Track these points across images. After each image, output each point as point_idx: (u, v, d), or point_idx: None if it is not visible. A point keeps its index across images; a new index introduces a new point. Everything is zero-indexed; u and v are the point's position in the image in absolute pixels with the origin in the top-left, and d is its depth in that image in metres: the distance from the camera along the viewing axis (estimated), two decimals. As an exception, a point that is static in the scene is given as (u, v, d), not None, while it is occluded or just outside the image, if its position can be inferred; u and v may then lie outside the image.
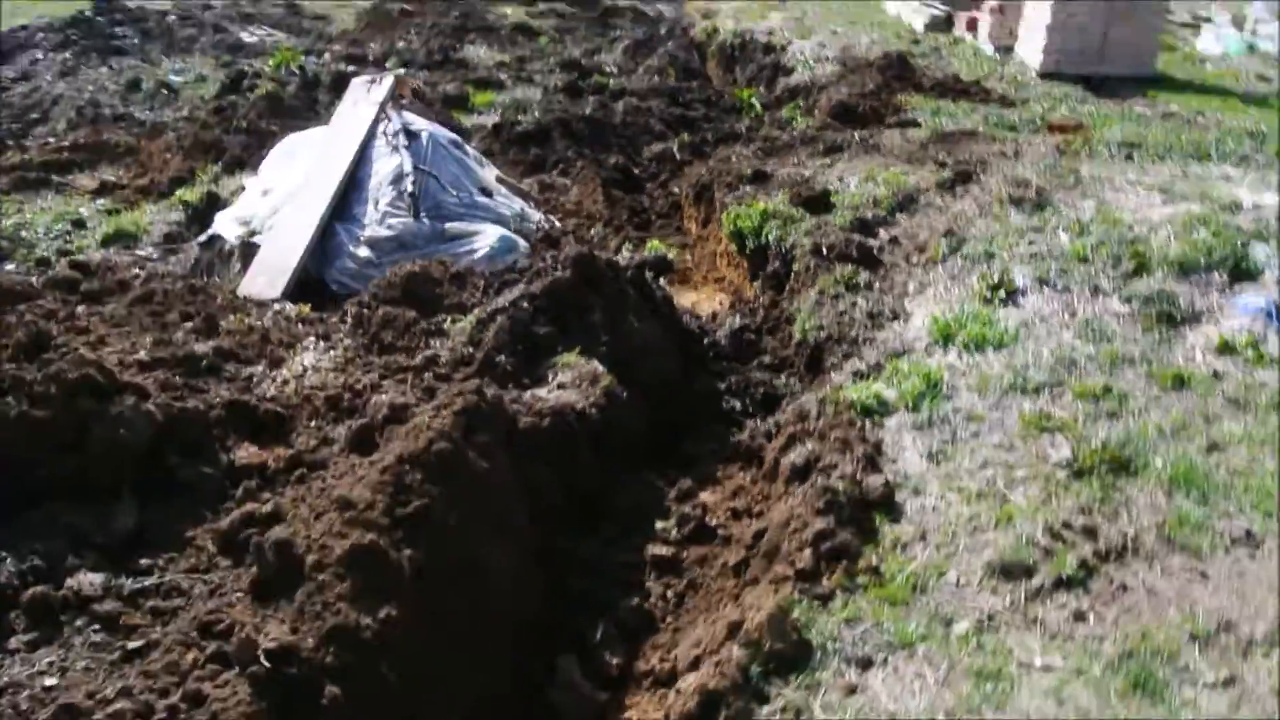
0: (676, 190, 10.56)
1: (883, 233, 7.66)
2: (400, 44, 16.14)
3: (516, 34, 17.87)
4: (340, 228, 7.21)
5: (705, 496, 5.31)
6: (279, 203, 7.45)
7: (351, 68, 14.91)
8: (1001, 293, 6.46)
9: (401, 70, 10.83)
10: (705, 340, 6.98)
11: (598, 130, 11.46)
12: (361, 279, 6.91)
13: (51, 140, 11.30)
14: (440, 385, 5.29)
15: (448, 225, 7.23)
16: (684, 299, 8.20)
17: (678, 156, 11.70)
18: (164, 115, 12.94)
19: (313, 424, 5.07)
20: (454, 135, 8.07)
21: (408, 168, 7.31)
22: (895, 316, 6.44)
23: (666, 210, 10.50)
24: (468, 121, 11.81)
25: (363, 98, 8.00)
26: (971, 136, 10.27)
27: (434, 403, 4.62)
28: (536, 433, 4.83)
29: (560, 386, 5.33)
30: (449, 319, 6.02)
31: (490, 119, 11.97)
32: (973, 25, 16.75)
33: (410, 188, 7.17)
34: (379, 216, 7.20)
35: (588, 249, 5.99)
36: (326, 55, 15.29)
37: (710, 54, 18.44)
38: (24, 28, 20.75)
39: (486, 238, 7.23)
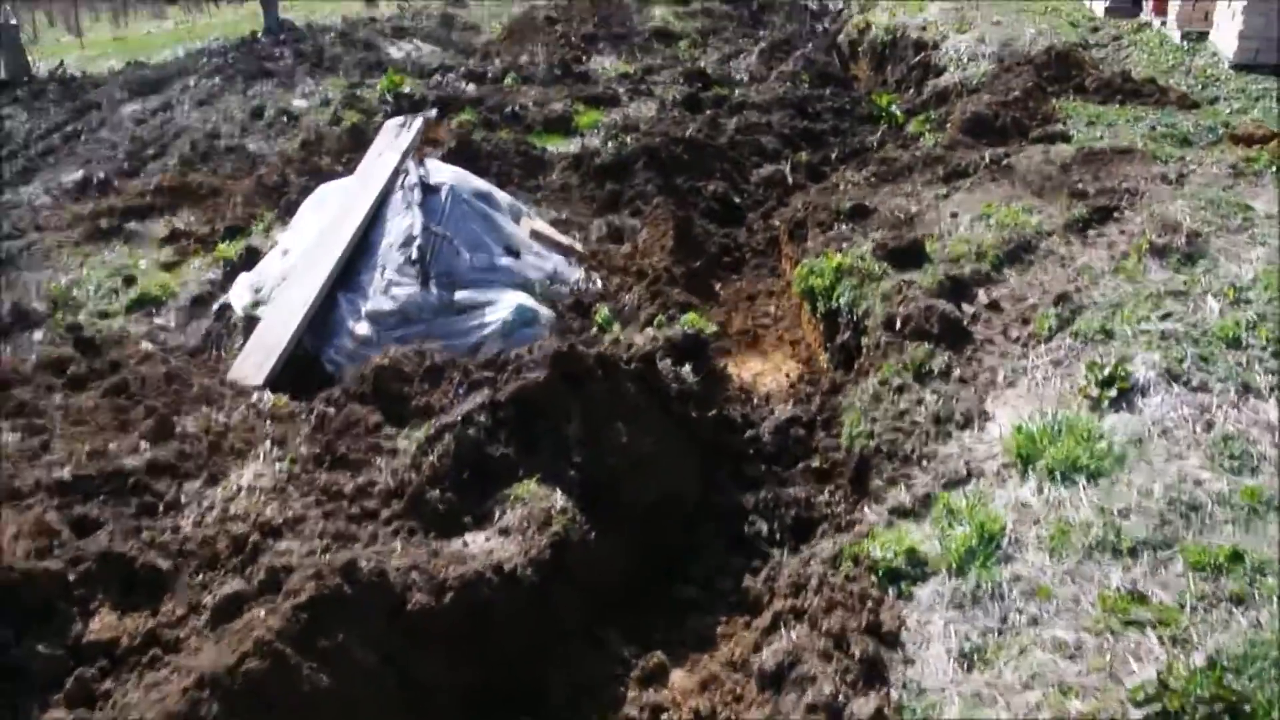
0: (778, 222, 9.23)
1: (980, 295, 6.15)
2: (524, 58, 15.30)
3: (653, 40, 16.76)
4: (343, 298, 6.33)
5: (677, 678, 4.08)
6: (292, 266, 6.64)
7: (470, 86, 14.22)
8: (1113, 390, 4.90)
9: (433, 111, 9.90)
10: (748, 433, 5.70)
11: (699, 154, 10.22)
12: (358, 359, 6.00)
13: (150, 180, 10.99)
14: (363, 526, 4.29)
15: (458, 295, 6.22)
16: (749, 367, 6.93)
17: (790, 179, 10.34)
18: (277, 146, 12.54)
19: (200, 579, 4.16)
20: (482, 185, 7.04)
21: (417, 229, 6.34)
22: (968, 423, 4.98)
23: (764, 246, 9.19)
24: (565, 147, 10.82)
25: (390, 144, 7.09)
26: (1126, 155, 8.46)
27: (293, 580, 3.60)
28: (432, 614, 3.74)
29: (502, 532, 4.22)
30: (409, 429, 5.01)
31: (593, 141, 10.93)
32: (1162, 8, 14.44)
33: (416, 253, 6.19)
34: (384, 285, 6.27)
35: (568, 344, 4.82)
36: (436, 76, 14.56)
37: (860, 53, 16.78)
38: (194, 53, 21.28)
39: (501, 308, 6.19)
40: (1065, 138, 9.39)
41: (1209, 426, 4.63)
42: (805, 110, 12.22)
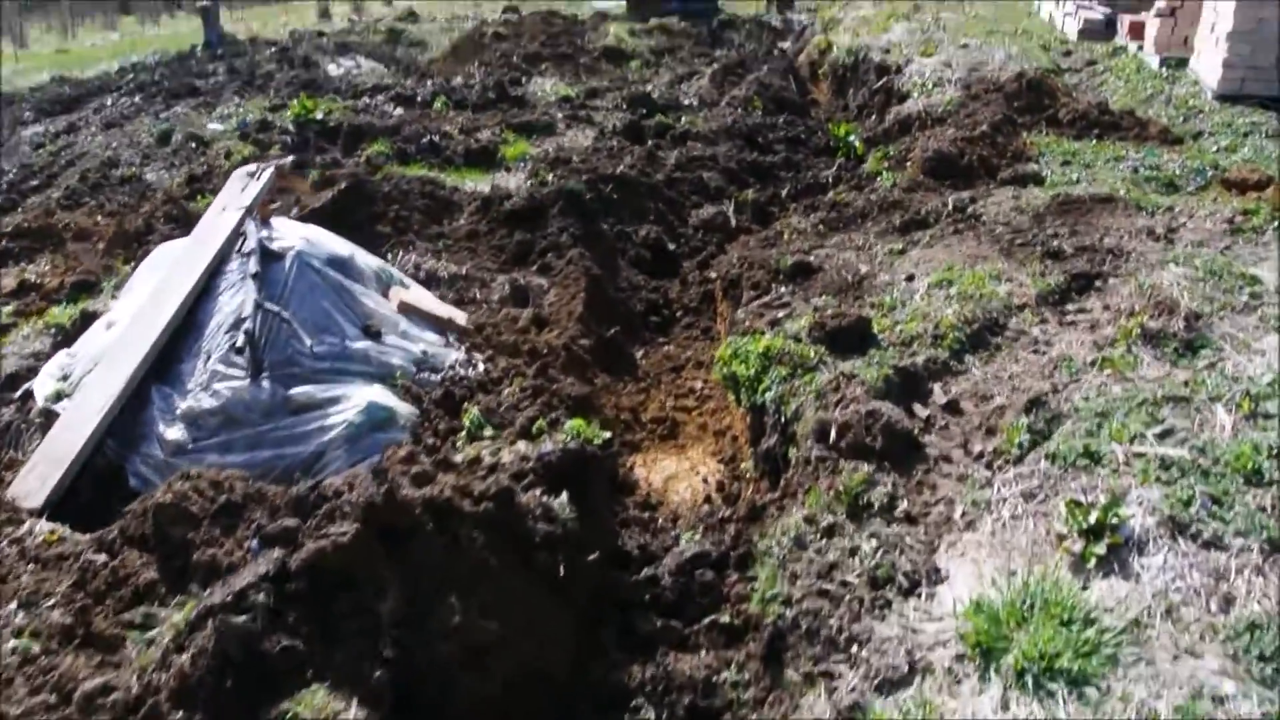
0: (715, 274, 8.03)
1: (936, 392, 4.96)
2: (457, 80, 14.05)
3: (602, 60, 15.56)
4: (157, 393, 5.06)
5: None
6: (110, 345, 5.38)
7: (399, 110, 12.98)
8: (1101, 545, 3.71)
9: (289, 158, 8.66)
10: (645, 571, 4.50)
11: (632, 194, 9.02)
12: (169, 472, 4.74)
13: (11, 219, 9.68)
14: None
15: (295, 391, 4.97)
16: (661, 468, 5.72)
17: (733, 222, 9.15)
18: (177, 177, 11.24)
19: None
20: (341, 249, 5.78)
21: (248, 307, 5.09)
22: (913, 586, 3.78)
23: (699, 301, 7.99)
24: (486, 183, 9.59)
25: (235, 198, 5.83)
26: (1107, 204, 7.32)
27: None
28: None
29: (260, 780, 2.99)
30: (183, 596, 3.76)
31: (514, 178, 9.70)
32: (1138, 31, 13.38)
33: (243, 338, 4.94)
34: (206, 378, 5.01)
35: (385, 488, 3.59)
36: (365, 98, 13.30)
37: (821, 75, 15.67)
38: (123, 69, 19.93)
39: (348, 407, 4.94)
40: (1038, 179, 8.27)
41: (1227, 604, 3.44)
42: (755, 141, 11.04)
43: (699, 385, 6.67)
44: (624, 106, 12.14)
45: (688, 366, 6.98)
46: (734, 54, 15.18)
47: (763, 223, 9.19)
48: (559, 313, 6.62)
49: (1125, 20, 13.89)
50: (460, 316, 6.01)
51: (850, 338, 5.34)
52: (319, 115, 11.37)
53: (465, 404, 5.11)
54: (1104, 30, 14.45)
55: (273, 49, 20.74)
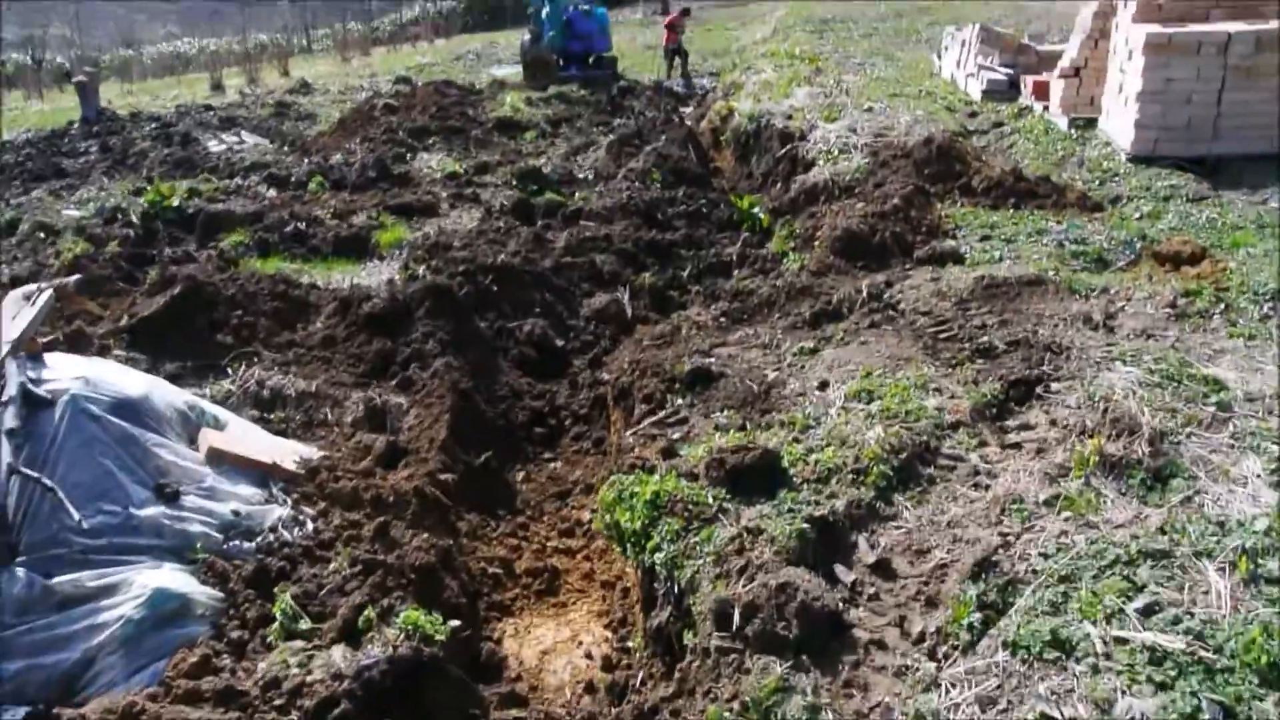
0: (608, 375, 7.03)
1: (862, 547, 3.99)
2: (335, 157, 12.96)
3: (495, 132, 14.60)
4: None
5: None
6: None
7: (272, 192, 11.84)
8: (1092, 790, 2.75)
9: (73, 277, 7.52)
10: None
11: (515, 284, 8.02)
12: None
13: None
14: None
15: (56, 581, 3.82)
16: (535, 638, 4.65)
17: (629, 311, 8.19)
18: (17, 272, 9.92)
19: None
20: (131, 389, 4.61)
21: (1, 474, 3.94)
22: None
23: (590, 407, 6.97)
24: (355, 276, 8.50)
25: (5, 326, 4.67)
26: (1036, 287, 6.52)
27: None
28: None
29: None
30: None
31: (383, 271, 8.64)
32: (1042, 91, 12.89)
33: (-16, 518, 3.78)
34: (-62, 567, 3.83)
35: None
36: (238, 179, 12.15)
37: (724, 142, 14.93)
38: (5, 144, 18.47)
39: (126, 599, 3.80)
40: (957, 258, 7.48)
41: None
42: (654, 217, 10.15)
43: (588, 515, 5.63)
44: (514, 183, 11.17)
45: (575, 492, 5.93)
46: (632, 123, 14.36)
47: (661, 309, 8.26)
48: (419, 439, 5.54)
49: (1029, 80, 13.41)
50: (290, 458, 4.89)
51: (755, 477, 4.36)
52: (175, 202, 10.17)
53: (284, 580, 3.98)
54: (1008, 90, 13.97)
55: (154, 125, 19.45)
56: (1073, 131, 11.51)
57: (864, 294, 6.79)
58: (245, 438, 4.91)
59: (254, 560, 4.16)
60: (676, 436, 5.23)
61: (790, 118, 13.21)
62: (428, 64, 27.90)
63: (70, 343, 6.19)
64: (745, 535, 3.98)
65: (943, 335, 5.96)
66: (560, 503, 5.88)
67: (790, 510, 4.13)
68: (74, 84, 21.99)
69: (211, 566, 4.10)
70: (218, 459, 4.59)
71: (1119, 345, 5.48)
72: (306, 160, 13.12)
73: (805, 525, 3.99)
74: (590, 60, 22.15)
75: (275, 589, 3.99)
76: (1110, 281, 6.67)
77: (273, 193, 11.72)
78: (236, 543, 4.28)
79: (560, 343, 7.58)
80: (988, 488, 4.25)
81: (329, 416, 6.03)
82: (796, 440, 4.78)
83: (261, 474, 4.74)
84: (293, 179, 11.98)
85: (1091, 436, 4.35)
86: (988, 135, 12.39)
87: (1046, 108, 12.58)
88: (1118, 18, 10.82)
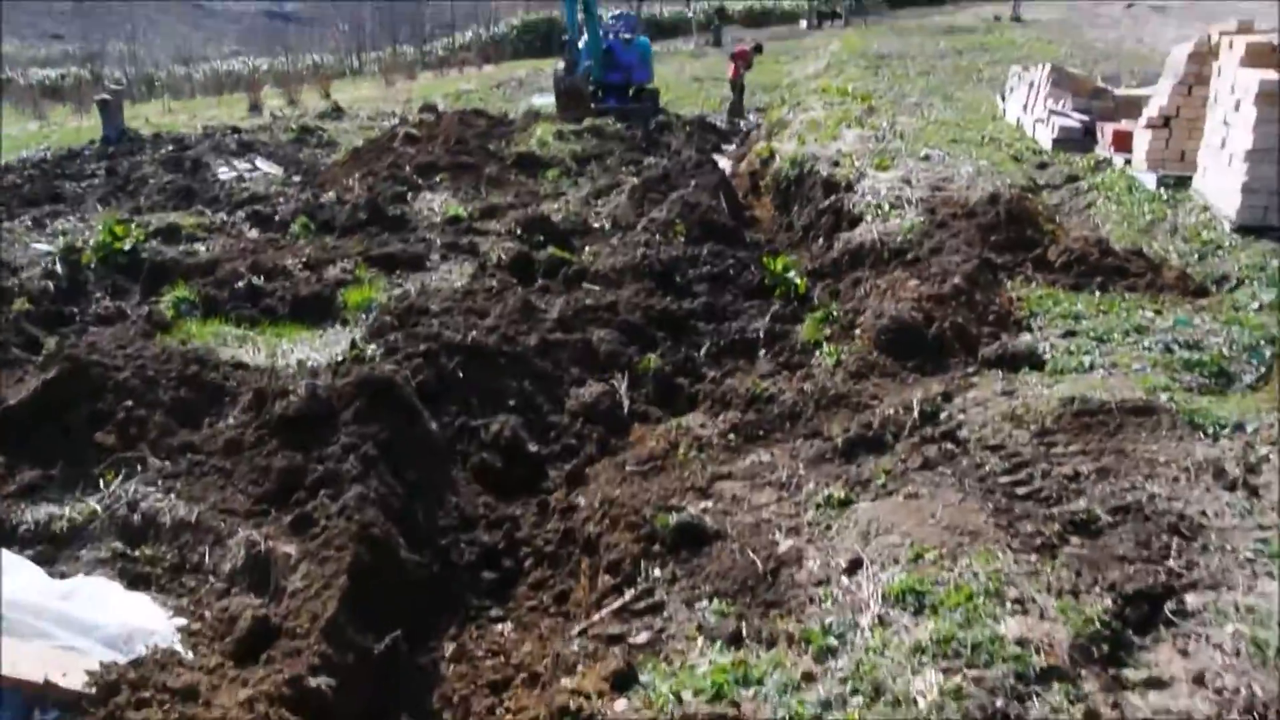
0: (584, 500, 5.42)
1: None
2: (328, 194, 11.55)
3: (513, 169, 13.10)
4: None
5: None
6: None
7: (254, 233, 10.45)
8: None
9: None
10: None
11: (490, 368, 6.47)
12: None
13: None
14: None
15: None
16: None
17: (626, 405, 6.60)
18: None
19: None
20: None
21: None
22: None
23: (560, 540, 5.33)
24: (303, 346, 7.02)
25: None
26: (1144, 418, 4.83)
27: None
28: None
29: None
30: None
31: (344, 338, 7.14)
32: (1123, 142, 11.13)
33: None
34: None
35: None
36: (223, 214, 10.76)
37: (764, 187, 13.32)
38: (9, 165, 17.37)
39: None
40: (1035, 361, 5.82)
41: None
42: (671, 280, 8.56)
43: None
44: (517, 232, 9.65)
45: (516, 683, 4.31)
46: (663, 164, 12.80)
47: (667, 402, 6.68)
48: (300, 612, 4.01)
49: (1107, 129, 11.64)
50: (71, 675, 3.34)
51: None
52: (126, 245, 8.78)
53: None
54: (1082, 139, 12.20)
55: (171, 147, 18.27)
56: (1162, 191, 9.72)
57: (915, 413, 5.15)
58: (10, 661, 3.35)
59: None
60: (641, 640, 3.65)
61: (837, 164, 11.58)
62: (467, 90, 26.62)
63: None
64: None
65: (1020, 490, 4.31)
66: (496, 697, 4.28)
67: None
68: (96, 102, 20.96)
69: None
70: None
71: (1271, 520, 3.81)
72: (301, 195, 11.72)
73: None
74: (630, 92, 20.68)
75: None
76: (1241, 410, 4.96)
77: (255, 233, 10.33)
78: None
79: (534, 448, 6.00)
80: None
81: (206, 560, 4.53)
82: (809, 679, 3.16)
83: (32, 693, 3.21)
84: (277, 218, 10.57)
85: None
86: (1060, 191, 10.68)
87: (1128, 161, 10.80)
88: (1220, 61, 9.05)
